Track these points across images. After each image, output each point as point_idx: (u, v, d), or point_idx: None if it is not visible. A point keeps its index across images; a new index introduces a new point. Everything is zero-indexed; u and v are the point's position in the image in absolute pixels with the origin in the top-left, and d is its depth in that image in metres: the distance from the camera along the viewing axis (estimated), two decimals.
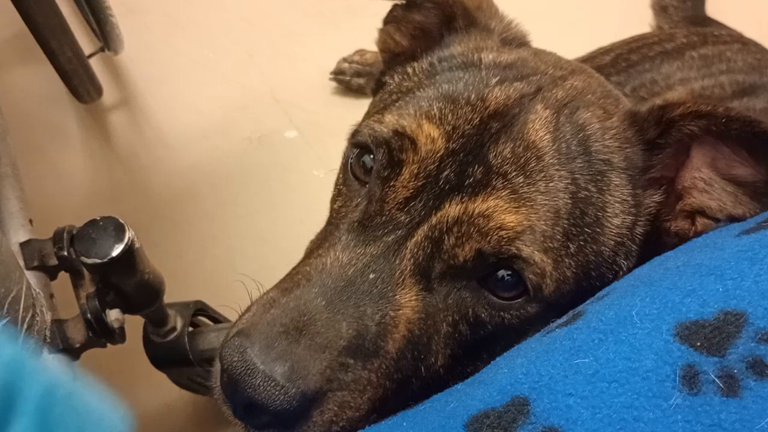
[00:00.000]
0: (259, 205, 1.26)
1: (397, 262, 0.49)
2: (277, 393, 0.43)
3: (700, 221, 0.52)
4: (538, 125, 0.51)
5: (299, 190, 1.28)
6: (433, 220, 0.49)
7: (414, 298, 0.49)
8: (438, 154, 0.50)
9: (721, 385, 0.36)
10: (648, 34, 1.12)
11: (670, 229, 0.53)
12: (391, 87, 0.60)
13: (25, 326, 0.56)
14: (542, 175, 0.49)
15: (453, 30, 0.62)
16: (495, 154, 0.50)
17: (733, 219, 0.51)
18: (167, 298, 0.85)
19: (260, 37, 1.48)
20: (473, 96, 0.53)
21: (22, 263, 0.80)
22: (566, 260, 0.49)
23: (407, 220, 0.50)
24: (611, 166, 0.52)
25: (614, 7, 1.44)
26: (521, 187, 0.49)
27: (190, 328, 0.93)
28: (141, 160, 1.32)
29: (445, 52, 0.60)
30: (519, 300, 0.49)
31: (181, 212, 1.25)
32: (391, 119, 0.53)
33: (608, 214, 0.51)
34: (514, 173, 0.49)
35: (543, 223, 0.48)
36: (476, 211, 0.48)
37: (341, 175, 0.58)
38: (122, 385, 1.08)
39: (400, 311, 0.48)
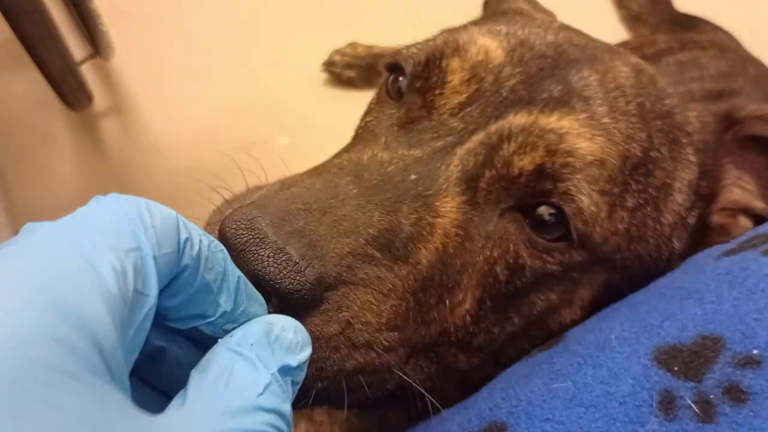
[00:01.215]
0: None
1: (443, 167, 0.43)
2: (289, 269, 0.35)
3: (741, 219, 0.51)
4: (624, 74, 0.48)
5: None
6: (493, 127, 0.44)
7: (455, 209, 0.43)
8: (495, 62, 0.46)
9: (696, 410, 0.36)
10: (631, 40, 1.12)
11: (713, 226, 0.51)
12: None
13: None
14: (625, 118, 0.45)
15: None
16: (578, 78, 0.46)
17: None
18: None
19: (250, 41, 1.48)
20: (543, 24, 0.50)
21: None
22: (620, 212, 0.45)
23: (461, 126, 0.45)
24: (690, 141, 0.49)
25: (605, 11, 1.45)
26: (604, 116, 0.45)
27: None
28: (132, 167, 1.31)
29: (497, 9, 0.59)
30: (562, 243, 0.44)
31: None
32: (443, 36, 0.50)
33: (675, 188, 0.48)
34: (599, 101, 0.45)
35: (614, 160, 0.43)
36: (549, 126, 0.43)
37: (375, 97, 0.54)
38: None
39: (439, 219, 0.42)
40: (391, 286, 0.40)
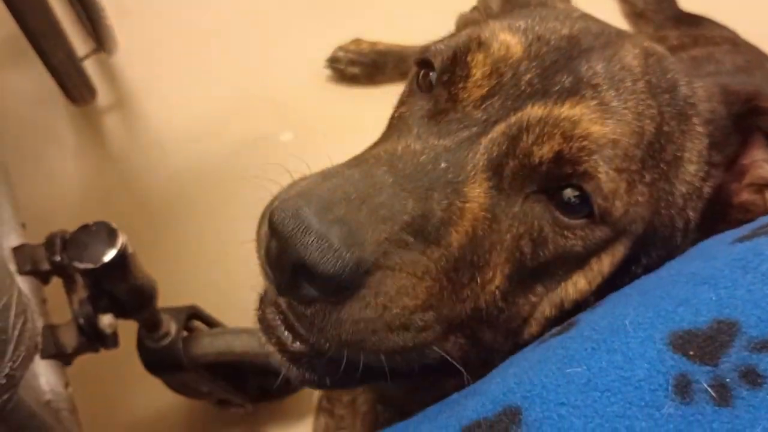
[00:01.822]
0: (254, 209, 1.25)
1: (470, 156, 0.47)
2: (330, 255, 0.39)
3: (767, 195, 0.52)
4: (631, 55, 0.51)
5: None
6: (513, 119, 0.47)
7: (483, 194, 0.46)
8: (514, 57, 0.49)
9: (713, 394, 0.36)
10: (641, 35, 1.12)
11: (735, 203, 0.53)
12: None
13: (17, 333, 0.56)
14: (634, 96, 0.48)
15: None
16: (587, 67, 0.49)
17: None
18: (161, 303, 0.85)
19: (253, 38, 1.48)
20: (561, 16, 0.53)
21: (14, 268, 0.80)
22: (640, 187, 0.48)
23: (483, 117, 0.48)
24: (696, 112, 0.52)
25: (606, 6, 1.45)
26: (612, 101, 0.48)
27: (185, 333, 0.92)
28: (134, 163, 1.31)
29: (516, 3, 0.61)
30: (584, 220, 0.47)
31: (174, 216, 1.24)
32: (467, 31, 0.53)
33: (686, 159, 0.51)
34: (606, 87, 0.48)
35: (627, 139, 0.47)
36: (563, 115, 0.47)
37: (406, 89, 0.57)
38: (115, 391, 1.07)
39: (468, 204, 0.46)
40: (425, 269, 0.44)
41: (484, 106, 0.48)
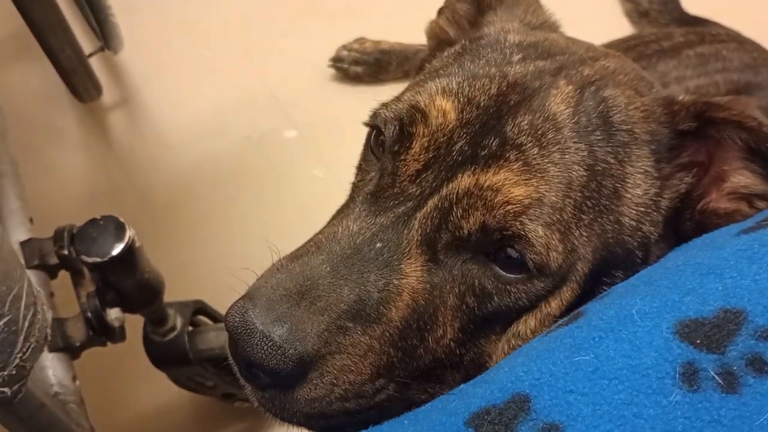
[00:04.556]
0: (259, 205, 1.26)
1: (406, 232, 0.49)
2: (273, 353, 0.44)
3: (744, 205, 0.53)
4: (559, 99, 0.51)
5: (299, 190, 1.28)
6: (444, 191, 0.49)
7: (419, 268, 0.49)
8: (449, 127, 0.51)
9: (720, 381, 0.37)
10: (645, 33, 1.12)
11: (715, 210, 0.53)
12: (426, 70, 0.61)
13: (27, 324, 0.56)
14: (557, 147, 0.49)
15: (486, 14, 0.63)
16: (512, 126, 0.50)
17: None
18: (167, 298, 0.85)
19: (258, 36, 1.48)
20: (493, 70, 0.53)
21: (22, 262, 0.80)
22: (577, 231, 0.49)
23: (418, 191, 0.50)
24: (633, 137, 0.52)
25: (610, 6, 1.45)
26: (535, 158, 0.49)
27: (190, 328, 0.93)
28: (140, 159, 1.32)
29: (475, 34, 0.61)
30: (524, 275, 0.49)
31: (180, 212, 1.25)
32: (408, 97, 0.54)
33: (628, 185, 0.51)
34: (529, 145, 0.49)
35: (553, 194, 0.48)
36: (486, 183, 0.48)
37: (363, 153, 0.59)
38: (122, 384, 1.08)
39: (404, 280, 0.48)
40: (367, 347, 0.48)
41: (419, 180, 0.51)
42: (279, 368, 0.45)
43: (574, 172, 0.49)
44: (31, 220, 0.88)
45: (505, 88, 0.52)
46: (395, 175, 0.52)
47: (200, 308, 0.96)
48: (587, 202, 0.49)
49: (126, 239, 0.73)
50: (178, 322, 0.90)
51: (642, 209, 0.52)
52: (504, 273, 0.49)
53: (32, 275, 0.80)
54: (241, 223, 1.24)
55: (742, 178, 0.52)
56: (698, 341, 0.39)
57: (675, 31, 1.06)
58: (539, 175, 0.48)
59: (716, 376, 0.37)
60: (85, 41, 1.33)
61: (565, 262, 0.48)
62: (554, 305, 0.50)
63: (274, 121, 1.36)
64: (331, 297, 0.47)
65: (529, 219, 0.47)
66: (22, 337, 0.56)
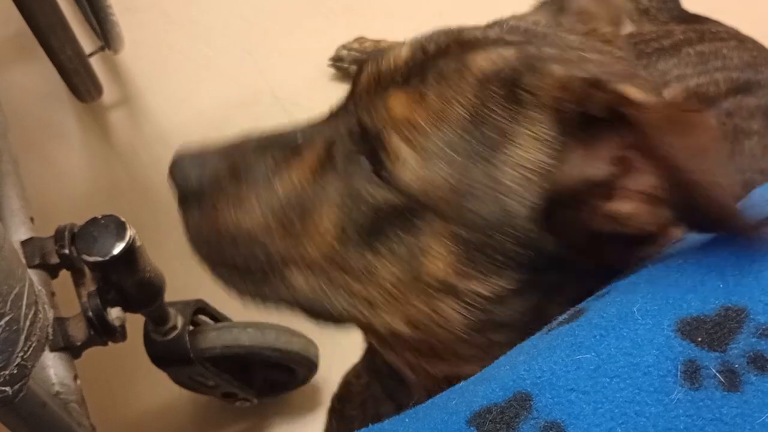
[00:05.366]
0: None
1: (322, 128, 0.59)
2: (182, 173, 0.61)
3: (643, 209, 0.49)
4: (487, 56, 0.53)
5: None
6: (360, 105, 0.57)
7: (315, 158, 0.57)
8: (397, 63, 0.56)
9: (722, 379, 0.37)
10: (645, 31, 1.12)
11: (614, 210, 0.49)
12: None
13: (28, 323, 0.56)
14: (452, 86, 0.52)
15: None
16: (436, 66, 0.53)
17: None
18: (168, 297, 0.85)
19: (259, 35, 1.49)
20: (457, 33, 0.57)
21: (23, 261, 0.80)
22: (438, 164, 0.51)
23: (351, 104, 0.58)
24: (536, 100, 0.50)
25: None
26: (429, 89, 0.52)
27: (191, 327, 0.93)
28: (141, 158, 1.32)
29: None
30: (384, 184, 0.53)
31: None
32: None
33: (515, 144, 0.50)
34: (433, 80, 0.53)
35: (423, 120, 0.51)
36: (387, 100, 0.54)
37: None
38: (123, 384, 1.08)
39: (300, 164, 0.57)
40: (250, 204, 0.58)
41: (354, 98, 0.57)
42: (181, 184, 0.61)
43: (454, 110, 0.51)
44: (32, 220, 0.88)
45: (454, 44, 0.55)
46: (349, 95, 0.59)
47: (201, 308, 0.96)
48: (461, 142, 0.50)
49: (127, 238, 0.73)
50: (179, 322, 0.90)
51: (527, 174, 0.50)
52: (374, 178, 0.53)
53: (33, 274, 0.80)
54: None
55: (646, 182, 0.48)
56: (700, 339, 0.39)
57: (675, 29, 1.06)
58: (423, 103, 0.52)
59: (718, 374, 0.37)
60: (86, 41, 1.33)
61: (420, 185, 0.50)
62: (435, 245, 0.52)
63: (274, 120, 1.35)
64: (242, 159, 0.59)
65: (396, 132, 0.52)
66: (23, 337, 0.56)
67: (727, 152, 0.81)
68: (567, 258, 0.51)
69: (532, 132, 0.50)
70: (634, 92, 0.48)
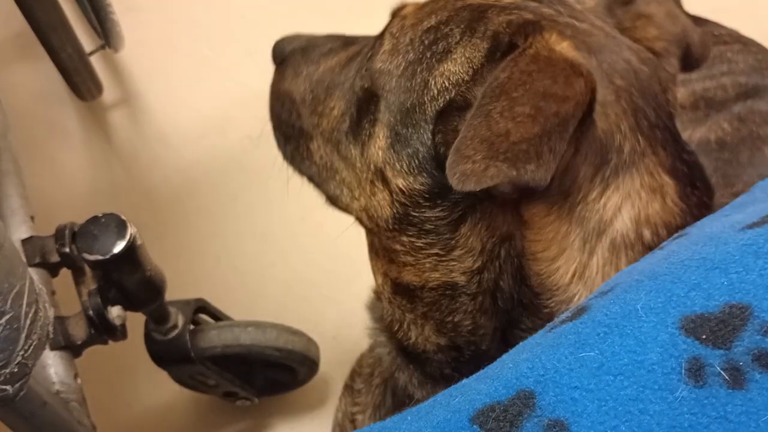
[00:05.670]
0: (260, 203, 1.26)
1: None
2: (277, 47, 0.76)
3: None
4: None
5: (300, 188, 1.28)
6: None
7: (344, 57, 0.69)
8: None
9: (726, 377, 0.37)
10: None
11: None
12: None
13: (28, 322, 0.56)
14: (440, 3, 0.60)
15: None
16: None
17: None
18: (168, 296, 0.85)
19: (259, 35, 1.48)
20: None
21: (23, 260, 0.80)
22: (398, 59, 0.60)
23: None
24: (484, 29, 0.56)
25: None
26: (429, 3, 0.62)
27: (192, 326, 0.93)
28: (141, 157, 1.32)
29: None
30: (367, 69, 0.62)
31: (181, 210, 1.25)
32: None
33: (450, 60, 0.57)
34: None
35: (410, 21, 0.61)
36: (405, 8, 0.65)
37: None
38: (123, 383, 1.08)
39: (343, 52, 0.69)
40: (302, 73, 0.72)
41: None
42: (275, 55, 0.76)
43: (429, 21, 0.59)
44: (32, 218, 0.88)
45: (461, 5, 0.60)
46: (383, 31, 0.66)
47: (202, 306, 0.96)
48: (418, 44, 0.59)
49: (127, 237, 0.72)
50: (180, 321, 0.90)
51: (446, 84, 0.56)
52: (363, 70, 0.63)
53: (34, 273, 0.80)
54: (243, 222, 1.24)
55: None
56: (704, 336, 0.38)
57: None
58: (420, 10, 0.62)
59: (722, 372, 0.37)
60: (86, 40, 1.33)
61: (380, 72, 0.60)
62: (375, 129, 0.60)
63: None
64: (315, 43, 0.73)
65: (391, 29, 0.62)
66: (23, 335, 0.55)
67: (746, 159, 0.82)
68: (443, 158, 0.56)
69: (467, 56, 0.56)
70: (551, 39, 0.52)
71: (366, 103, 0.62)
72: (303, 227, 1.22)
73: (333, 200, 0.69)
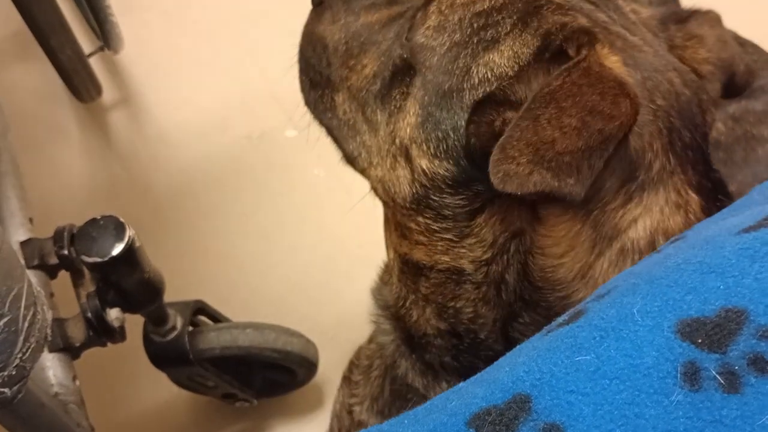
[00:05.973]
0: (260, 204, 1.26)
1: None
2: None
3: None
4: None
5: (300, 188, 1.28)
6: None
7: (385, 16, 0.65)
8: None
9: (722, 381, 0.37)
10: None
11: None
12: None
13: (27, 324, 0.56)
14: None
15: None
16: None
17: None
18: (167, 298, 0.85)
19: (259, 36, 1.48)
20: None
21: (22, 262, 0.80)
22: (444, 38, 0.57)
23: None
24: (538, 26, 0.55)
25: None
26: None
27: (190, 328, 0.93)
28: (141, 158, 1.32)
29: None
30: (408, 39, 0.60)
31: (181, 211, 1.25)
32: None
33: (497, 51, 0.55)
34: None
35: (460, 3, 0.58)
36: None
37: None
38: (122, 384, 1.08)
39: (386, 8, 0.67)
40: (340, 19, 0.69)
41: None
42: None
43: (478, 4, 0.57)
44: (31, 220, 0.88)
45: None
46: None
47: (200, 308, 0.96)
48: (467, 27, 0.57)
49: (126, 239, 0.73)
50: (179, 322, 0.90)
51: (489, 75, 0.55)
52: (403, 40, 0.61)
53: (32, 275, 0.80)
54: (242, 222, 1.24)
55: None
56: (699, 340, 0.38)
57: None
58: None
59: (718, 376, 0.37)
60: (85, 41, 1.33)
61: (422, 46, 0.58)
62: (407, 103, 0.58)
63: (274, 121, 1.36)
64: None
65: (438, 3, 0.59)
66: (22, 337, 0.55)
67: (741, 158, 0.82)
68: (476, 152, 0.55)
69: (515, 50, 0.55)
70: (603, 53, 0.52)
71: (401, 73, 0.60)
72: (303, 228, 1.22)
73: (350, 160, 0.67)
